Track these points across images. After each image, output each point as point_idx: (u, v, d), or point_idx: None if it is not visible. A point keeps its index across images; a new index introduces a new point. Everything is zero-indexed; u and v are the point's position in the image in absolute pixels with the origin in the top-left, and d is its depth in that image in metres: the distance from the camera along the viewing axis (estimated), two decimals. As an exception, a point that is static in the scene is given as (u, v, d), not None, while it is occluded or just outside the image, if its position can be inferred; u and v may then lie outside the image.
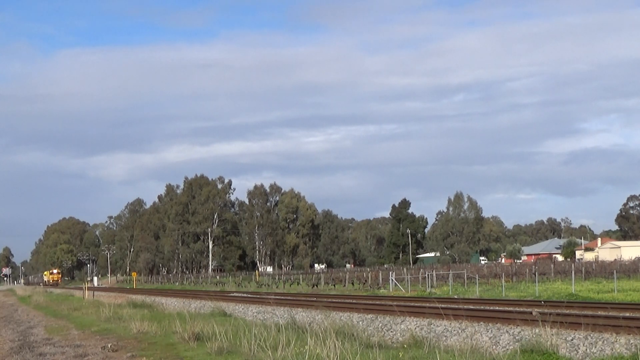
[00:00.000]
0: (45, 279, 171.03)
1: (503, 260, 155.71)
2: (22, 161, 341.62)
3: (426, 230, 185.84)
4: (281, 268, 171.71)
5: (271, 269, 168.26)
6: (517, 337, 20.40)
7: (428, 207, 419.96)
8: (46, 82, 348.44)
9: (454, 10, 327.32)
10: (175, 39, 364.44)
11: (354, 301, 37.40)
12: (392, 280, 57.87)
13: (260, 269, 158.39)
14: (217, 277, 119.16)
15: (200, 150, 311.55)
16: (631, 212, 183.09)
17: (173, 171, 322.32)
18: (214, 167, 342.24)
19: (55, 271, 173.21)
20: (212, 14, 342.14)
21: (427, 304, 30.26)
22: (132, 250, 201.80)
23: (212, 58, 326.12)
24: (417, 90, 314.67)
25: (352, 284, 67.07)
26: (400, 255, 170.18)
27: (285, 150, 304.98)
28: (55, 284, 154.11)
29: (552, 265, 78.31)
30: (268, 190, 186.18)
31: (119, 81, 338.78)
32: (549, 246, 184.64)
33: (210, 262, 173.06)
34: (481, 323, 23.00)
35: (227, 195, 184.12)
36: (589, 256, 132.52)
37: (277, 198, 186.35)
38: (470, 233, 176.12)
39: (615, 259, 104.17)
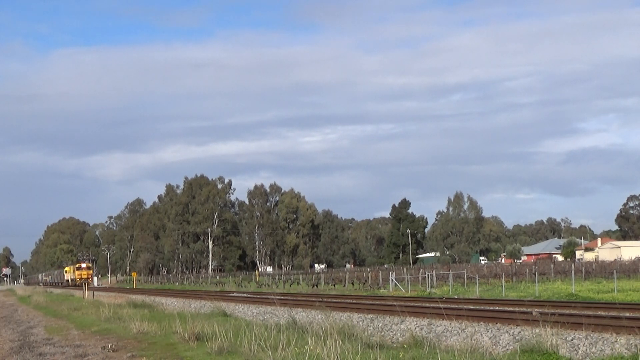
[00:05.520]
0: (67, 277, 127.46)
1: (503, 260, 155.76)
2: (18, 161, 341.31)
3: (426, 230, 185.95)
4: (281, 268, 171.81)
5: (271, 269, 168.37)
6: (517, 337, 20.40)
7: (426, 207, 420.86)
8: (41, 81, 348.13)
9: (451, 10, 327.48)
10: (171, 38, 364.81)
11: (354, 301, 37.41)
12: (392, 280, 57.85)
13: (260, 269, 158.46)
14: (217, 277, 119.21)
15: (196, 150, 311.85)
16: (631, 212, 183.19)
17: (170, 171, 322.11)
18: (210, 167, 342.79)
19: (83, 265, 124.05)
20: (208, 13, 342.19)
21: (427, 304, 30.26)
22: (132, 250, 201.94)
23: (208, 57, 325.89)
24: (414, 89, 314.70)
25: (352, 284, 67.09)
26: (400, 255, 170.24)
27: (282, 150, 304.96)
28: (84, 284, 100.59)
29: (552, 265, 78.31)
30: (268, 190, 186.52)
31: (115, 81, 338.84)
32: (549, 246, 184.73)
33: (210, 262, 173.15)
34: (481, 323, 23.00)
35: (227, 195, 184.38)
36: (588, 256, 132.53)
37: (277, 198, 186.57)
38: (470, 233, 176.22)
39: (615, 259, 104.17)
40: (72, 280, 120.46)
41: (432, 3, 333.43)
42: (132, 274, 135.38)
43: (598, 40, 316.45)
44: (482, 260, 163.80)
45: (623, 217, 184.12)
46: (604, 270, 69.49)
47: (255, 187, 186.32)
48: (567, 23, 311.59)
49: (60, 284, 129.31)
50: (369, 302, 36.11)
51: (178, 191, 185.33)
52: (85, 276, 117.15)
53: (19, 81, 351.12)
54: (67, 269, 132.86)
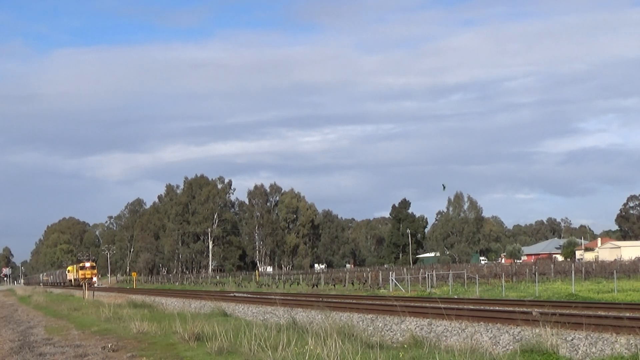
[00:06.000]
0: (70, 276, 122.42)
1: (503, 260, 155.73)
2: (17, 161, 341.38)
3: (426, 230, 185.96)
4: (281, 268, 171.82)
5: (271, 269, 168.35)
6: (517, 337, 20.41)
7: (426, 207, 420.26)
8: (41, 81, 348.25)
9: (450, 10, 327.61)
10: (170, 38, 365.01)
11: (354, 301, 37.41)
12: (392, 280, 57.84)
13: (260, 269, 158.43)
14: (217, 277, 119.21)
15: (196, 150, 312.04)
16: (631, 212, 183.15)
17: (169, 171, 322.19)
18: (210, 167, 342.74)
19: (87, 265, 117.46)
20: (207, 13, 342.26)
21: (428, 304, 30.28)
22: (132, 250, 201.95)
23: (207, 57, 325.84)
24: (413, 89, 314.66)
25: (352, 284, 67.08)
26: (400, 255, 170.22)
27: (282, 150, 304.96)
28: (88, 284, 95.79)
29: (552, 265, 78.30)
30: (268, 190, 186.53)
31: (114, 81, 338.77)
32: (549, 246, 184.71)
33: (210, 262, 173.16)
34: (481, 323, 23.01)
35: (227, 195, 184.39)
36: (588, 256, 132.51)
37: (277, 198, 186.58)
38: (470, 233, 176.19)
39: (615, 259, 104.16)
40: (75, 280, 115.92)
41: (432, 3, 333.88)
42: (132, 274, 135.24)
43: (598, 40, 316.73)
44: (482, 260, 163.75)
45: (623, 217, 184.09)
46: (604, 270, 69.49)
47: (255, 187, 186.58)
48: (567, 23, 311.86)
49: (62, 284, 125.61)
50: (369, 302, 36.12)
51: (178, 191, 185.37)
52: (89, 276, 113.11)
53: (19, 81, 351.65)
54: (69, 268, 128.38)
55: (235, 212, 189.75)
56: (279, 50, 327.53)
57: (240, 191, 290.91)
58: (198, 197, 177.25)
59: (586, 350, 18.41)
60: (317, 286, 70.69)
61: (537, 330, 19.46)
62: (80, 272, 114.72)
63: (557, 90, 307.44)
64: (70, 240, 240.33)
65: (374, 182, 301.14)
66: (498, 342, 20.58)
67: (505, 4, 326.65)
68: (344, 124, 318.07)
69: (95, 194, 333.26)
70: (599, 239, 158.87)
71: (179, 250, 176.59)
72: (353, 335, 20.12)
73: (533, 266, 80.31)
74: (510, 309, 27.48)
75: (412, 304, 31.77)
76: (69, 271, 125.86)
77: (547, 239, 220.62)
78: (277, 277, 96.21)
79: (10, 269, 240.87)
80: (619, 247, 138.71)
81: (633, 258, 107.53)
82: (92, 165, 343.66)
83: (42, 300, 65.95)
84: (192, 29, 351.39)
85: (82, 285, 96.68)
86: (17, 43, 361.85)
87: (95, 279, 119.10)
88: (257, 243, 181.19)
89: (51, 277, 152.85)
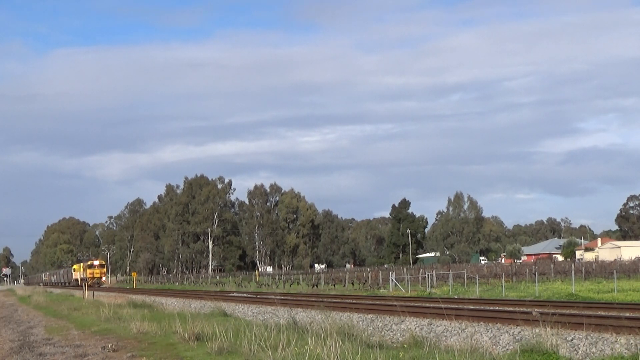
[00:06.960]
0: (76, 276, 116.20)
1: (503, 260, 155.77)
2: (17, 161, 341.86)
3: (426, 230, 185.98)
4: (281, 268, 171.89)
5: (271, 269, 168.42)
6: (517, 337, 20.41)
7: (426, 207, 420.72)
8: (40, 81, 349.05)
9: (450, 10, 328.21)
10: (170, 38, 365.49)
11: (354, 301, 37.41)
12: (392, 280, 57.83)
13: (260, 269, 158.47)
14: (217, 277, 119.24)
15: (195, 150, 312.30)
16: (631, 212, 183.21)
17: (169, 171, 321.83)
18: (209, 167, 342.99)
19: (96, 263, 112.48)
20: (207, 13, 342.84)
21: (428, 304, 30.27)
22: (132, 250, 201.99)
23: (207, 57, 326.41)
24: (413, 89, 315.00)
25: (352, 284, 67.09)
26: (400, 255, 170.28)
27: (282, 150, 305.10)
28: (96, 284, 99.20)
29: (552, 265, 78.33)
30: (268, 190, 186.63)
31: (113, 81, 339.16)
32: (549, 246, 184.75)
33: (210, 262, 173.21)
34: (481, 323, 23.01)
35: (227, 195, 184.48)
36: (588, 256, 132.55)
37: (277, 198, 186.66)
38: (470, 233, 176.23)
39: (615, 259, 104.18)
40: (82, 279, 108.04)
41: (431, 3, 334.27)
42: (132, 274, 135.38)
43: (597, 40, 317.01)
44: (482, 260, 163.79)
45: (623, 217, 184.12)
46: (604, 270, 69.49)
47: (255, 187, 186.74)
48: (566, 23, 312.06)
49: (67, 284, 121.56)
50: (368, 302, 36.11)
51: (178, 191, 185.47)
52: (98, 275, 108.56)
53: (18, 81, 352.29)
54: (75, 267, 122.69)
55: (235, 212, 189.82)
56: (279, 50, 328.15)
57: (240, 191, 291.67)
58: (198, 197, 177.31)
59: (586, 350, 18.42)
60: (317, 286, 70.70)
61: (537, 330, 19.47)
62: (88, 270, 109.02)
63: (556, 90, 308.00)
64: (70, 240, 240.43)
65: (374, 182, 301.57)
66: (498, 342, 20.58)
67: (505, 4, 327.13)
68: (343, 124, 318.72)
69: (95, 194, 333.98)
70: (599, 239, 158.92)
71: (179, 250, 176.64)
72: (353, 335, 20.11)
73: (533, 266, 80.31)
74: (510, 309, 27.47)
75: (412, 304, 31.75)
76: (74, 270, 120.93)
77: (547, 239, 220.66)
78: (277, 277, 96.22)
79: (10, 269, 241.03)
80: (619, 247, 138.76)
81: (633, 258, 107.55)
82: (92, 165, 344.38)
83: (42, 300, 65.91)
84: (192, 29, 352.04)
85: (90, 285, 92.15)
86: (17, 43, 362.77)
87: (104, 278, 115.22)
88: (257, 243, 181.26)
89: (54, 276, 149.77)
